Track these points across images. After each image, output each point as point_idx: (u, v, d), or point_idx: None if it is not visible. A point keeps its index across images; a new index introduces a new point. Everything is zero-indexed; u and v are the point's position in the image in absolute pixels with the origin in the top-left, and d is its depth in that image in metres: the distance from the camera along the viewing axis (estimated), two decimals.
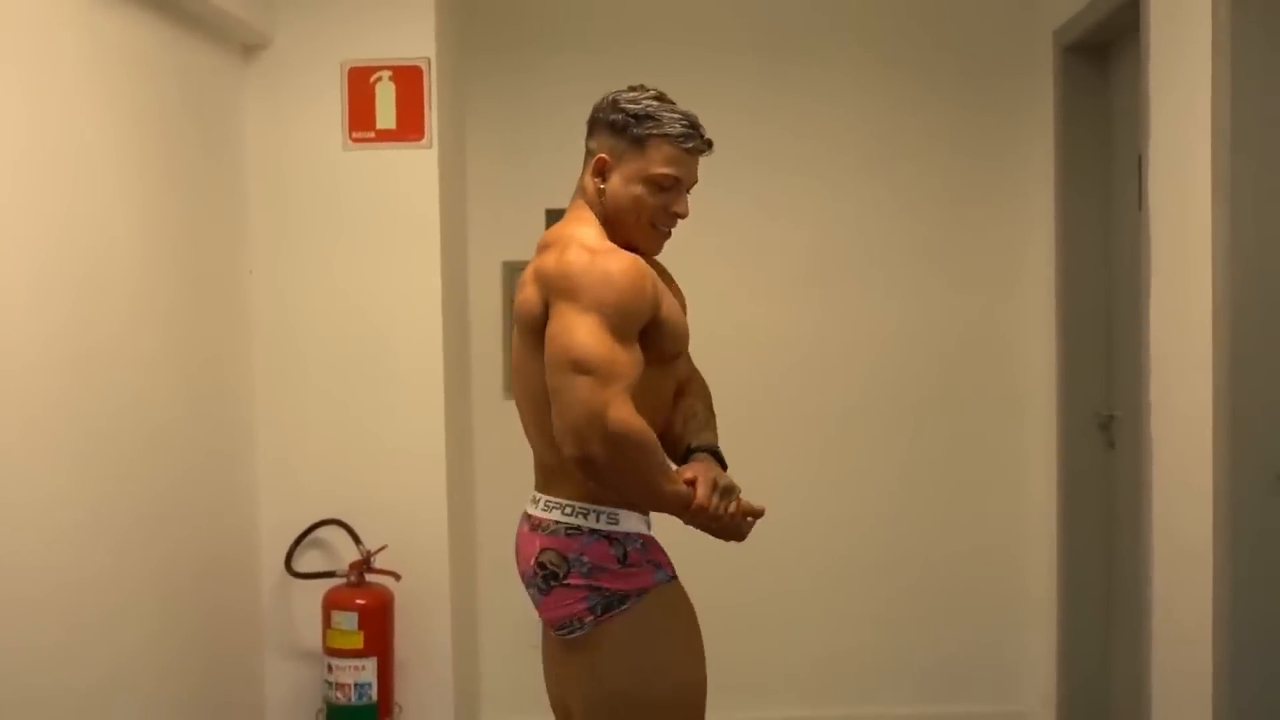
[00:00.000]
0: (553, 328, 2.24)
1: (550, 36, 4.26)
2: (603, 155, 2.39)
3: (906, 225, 4.39)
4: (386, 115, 3.69)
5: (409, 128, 3.70)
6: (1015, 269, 4.38)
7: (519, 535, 2.48)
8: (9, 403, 2.42)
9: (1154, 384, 3.22)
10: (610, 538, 2.35)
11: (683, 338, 2.43)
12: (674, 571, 2.43)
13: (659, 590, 2.38)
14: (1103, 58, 3.98)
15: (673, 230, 2.45)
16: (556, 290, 2.26)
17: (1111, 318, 4.00)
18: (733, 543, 2.41)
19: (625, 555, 2.35)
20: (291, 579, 3.69)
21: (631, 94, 2.40)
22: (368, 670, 3.53)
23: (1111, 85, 3.97)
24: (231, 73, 3.61)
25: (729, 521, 2.33)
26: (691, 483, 2.30)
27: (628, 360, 2.22)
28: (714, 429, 2.51)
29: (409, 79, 3.69)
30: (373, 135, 3.71)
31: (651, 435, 2.24)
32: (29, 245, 2.50)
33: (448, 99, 3.88)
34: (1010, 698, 4.43)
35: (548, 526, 2.37)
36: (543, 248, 2.38)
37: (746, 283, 4.26)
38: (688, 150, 2.38)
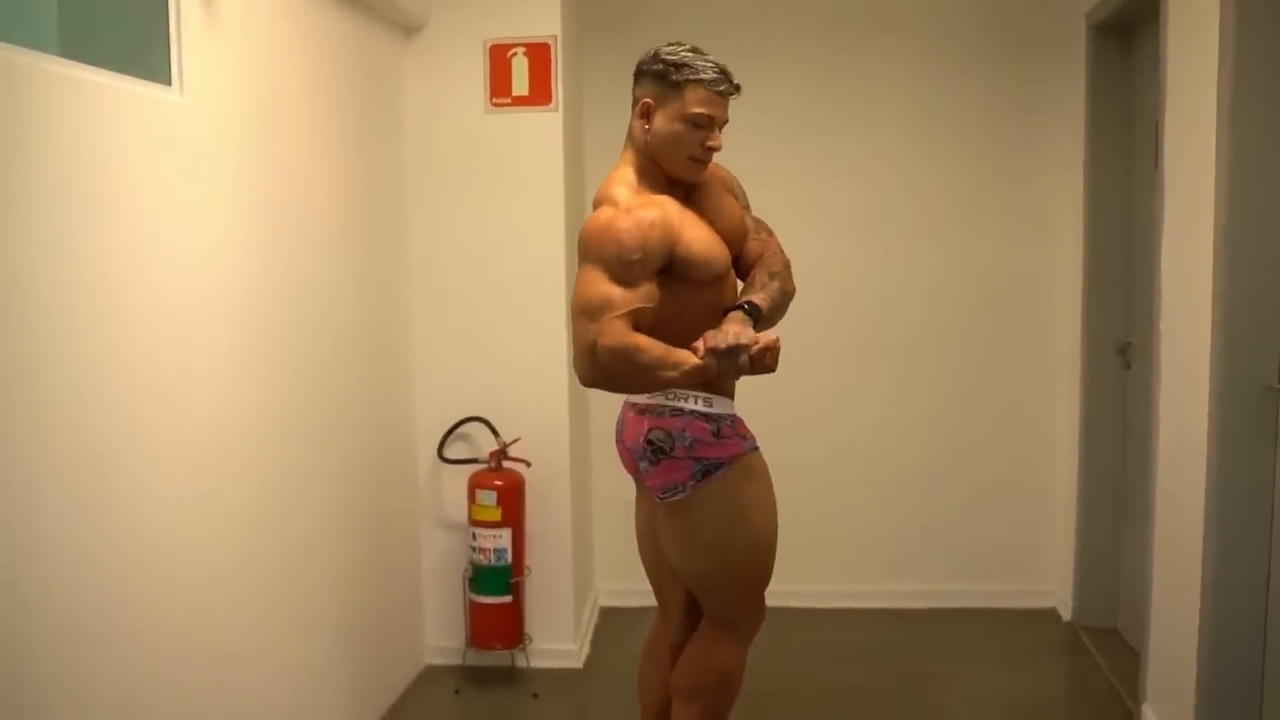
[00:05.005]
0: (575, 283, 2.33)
1: (653, 18, 4.26)
2: (647, 100, 2.38)
3: (954, 181, 4.38)
4: (520, 84, 3.74)
5: (539, 94, 3.74)
6: (1049, 217, 4.36)
7: (625, 421, 2.53)
8: (237, 320, 2.55)
9: (1164, 313, 3.25)
10: (706, 416, 2.40)
11: (714, 263, 2.39)
12: (757, 443, 2.50)
13: (746, 457, 2.46)
14: (1127, 37, 3.94)
15: (709, 160, 2.43)
16: (579, 253, 2.34)
17: (1129, 259, 3.99)
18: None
19: (719, 430, 2.41)
20: (443, 464, 3.81)
21: (671, 47, 2.39)
22: (504, 538, 3.63)
23: (1134, 61, 3.93)
24: (395, 50, 3.68)
25: (744, 370, 2.29)
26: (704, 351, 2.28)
27: (625, 297, 2.25)
28: (767, 289, 2.46)
29: (539, 54, 3.73)
30: (509, 101, 3.75)
31: (639, 343, 2.24)
32: (250, 192, 2.61)
33: (570, 70, 3.89)
34: (1036, 578, 4.49)
35: (655, 410, 2.42)
36: (594, 205, 2.41)
37: (814, 230, 4.23)
38: (719, 93, 2.37)
